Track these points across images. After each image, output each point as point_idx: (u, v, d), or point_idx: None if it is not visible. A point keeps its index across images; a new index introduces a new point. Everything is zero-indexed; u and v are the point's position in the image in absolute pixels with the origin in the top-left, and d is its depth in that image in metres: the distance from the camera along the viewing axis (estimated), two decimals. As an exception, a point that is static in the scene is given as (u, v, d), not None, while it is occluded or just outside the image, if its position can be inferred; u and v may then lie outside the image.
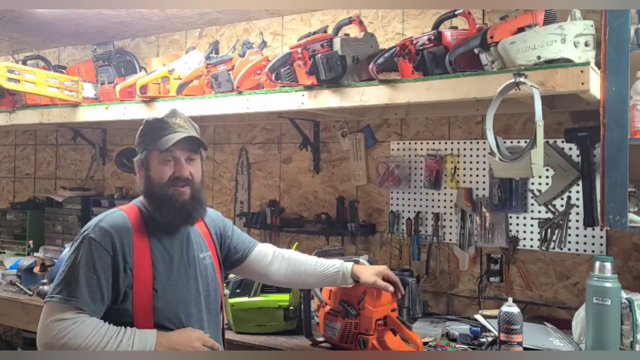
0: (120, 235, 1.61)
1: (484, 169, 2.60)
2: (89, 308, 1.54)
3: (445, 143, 2.70)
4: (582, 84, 1.77)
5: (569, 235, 2.41)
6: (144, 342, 1.55)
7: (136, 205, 1.74)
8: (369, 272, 1.96)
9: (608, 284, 1.85)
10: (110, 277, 1.57)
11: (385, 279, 1.96)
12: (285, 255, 2.00)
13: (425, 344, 2.12)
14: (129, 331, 1.55)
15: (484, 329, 2.22)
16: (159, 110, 2.70)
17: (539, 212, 2.48)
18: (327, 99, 2.26)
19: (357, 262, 2.07)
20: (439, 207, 2.70)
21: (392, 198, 2.83)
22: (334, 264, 1.98)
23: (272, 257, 1.98)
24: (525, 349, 1.93)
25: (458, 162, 2.65)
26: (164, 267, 1.66)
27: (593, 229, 2.36)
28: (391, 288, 1.95)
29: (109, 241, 1.59)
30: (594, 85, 1.83)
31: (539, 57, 1.83)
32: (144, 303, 1.60)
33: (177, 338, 1.60)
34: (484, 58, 1.97)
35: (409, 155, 2.78)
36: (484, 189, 2.60)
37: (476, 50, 1.99)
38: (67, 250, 1.66)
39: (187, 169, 1.71)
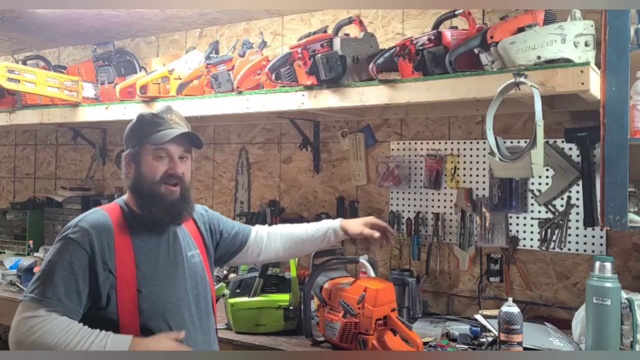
0: (100, 234, 1.58)
1: (484, 169, 2.60)
2: (64, 308, 1.50)
3: (445, 143, 2.70)
4: (582, 84, 1.77)
5: (569, 235, 2.41)
6: (116, 345, 1.49)
7: (118, 204, 1.71)
8: (356, 223, 2.02)
9: (608, 284, 1.85)
10: (87, 277, 1.54)
11: (374, 227, 2.00)
12: (277, 231, 2.06)
13: (425, 344, 2.12)
14: (102, 334, 1.51)
15: (484, 329, 2.22)
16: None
17: (539, 212, 2.47)
18: (327, 99, 2.26)
19: (357, 262, 2.08)
20: (439, 207, 2.70)
21: (392, 198, 2.83)
22: (323, 224, 2.05)
23: (267, 237, 2.03)
24: (525, 349, 1.93)
25: (458, 162, 2.65)
26: (149, 267, 1.63)
27: (593, 229, 2.36)
28: (377, 234, 1.98)
29: (87, 241, 1.55)
30: (594, 85, 1.83)
31: (539, 57, 1.83)
32: (129, 305, 1.57)
33: (154, 346, 1.53)
34: (484, 58, 1.97)
35: (409, 155, 2.78)
36: (484, 189, 2.60)
37: (476, 50, 1.99)
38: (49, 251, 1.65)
39: (180, 167, 1.69)
